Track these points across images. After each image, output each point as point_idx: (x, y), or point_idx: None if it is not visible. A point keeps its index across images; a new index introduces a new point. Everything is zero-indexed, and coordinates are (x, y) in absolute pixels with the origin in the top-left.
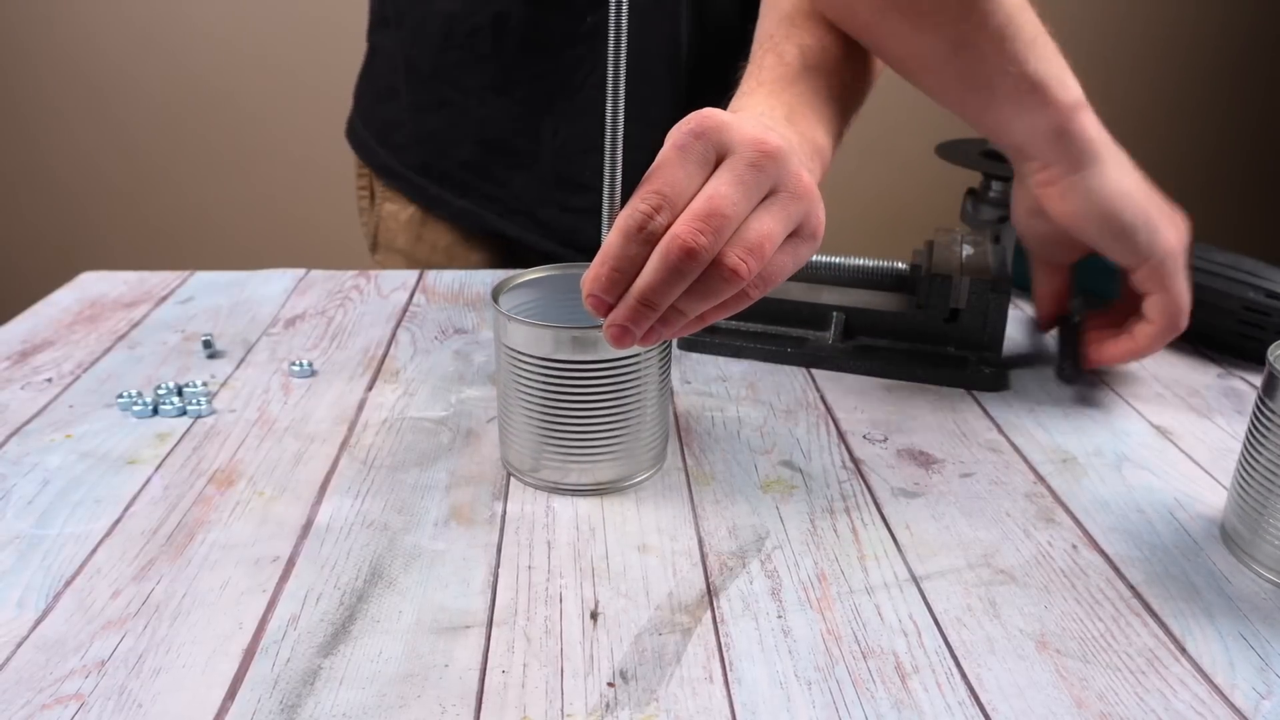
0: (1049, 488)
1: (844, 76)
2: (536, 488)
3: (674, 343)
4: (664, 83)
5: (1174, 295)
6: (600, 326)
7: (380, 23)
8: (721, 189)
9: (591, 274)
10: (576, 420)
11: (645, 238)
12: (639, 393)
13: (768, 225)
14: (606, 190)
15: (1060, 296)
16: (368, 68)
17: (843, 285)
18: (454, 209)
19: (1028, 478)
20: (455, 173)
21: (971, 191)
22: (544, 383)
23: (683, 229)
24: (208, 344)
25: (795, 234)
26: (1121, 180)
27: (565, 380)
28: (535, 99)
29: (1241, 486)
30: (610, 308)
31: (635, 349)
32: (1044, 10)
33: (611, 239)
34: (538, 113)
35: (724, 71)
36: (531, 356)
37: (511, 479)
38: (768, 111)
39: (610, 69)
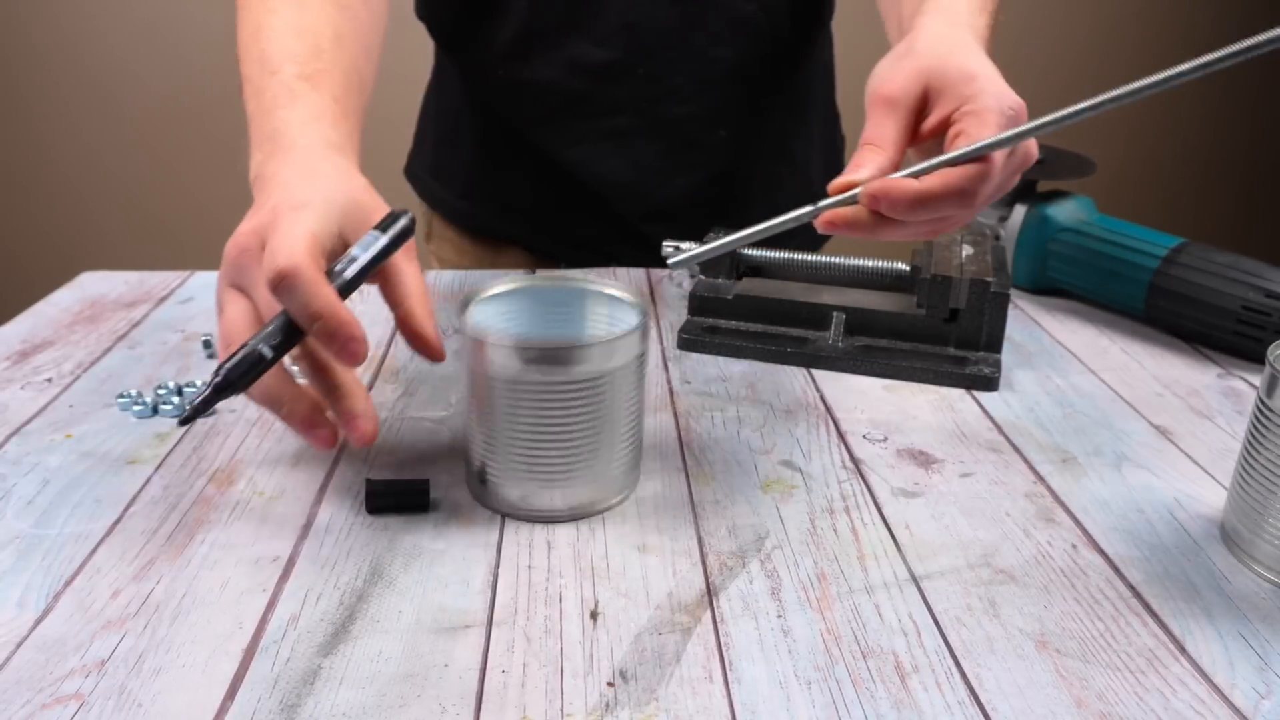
0: (1049, 488)
1: None
2: (507, 514)
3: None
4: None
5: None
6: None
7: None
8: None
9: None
10: (550, 440)
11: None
12: (611, 412)
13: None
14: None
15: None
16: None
17: (843, 285)
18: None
19: (1027, 478)
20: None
21: None
22: (512, 402)
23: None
24: (208, 344)
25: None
26: None
27: (537, 398)
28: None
29: (1241, 486)
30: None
31: (610, 363)
32: (1047, 10)
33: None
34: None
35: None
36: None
37: None
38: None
39: None
